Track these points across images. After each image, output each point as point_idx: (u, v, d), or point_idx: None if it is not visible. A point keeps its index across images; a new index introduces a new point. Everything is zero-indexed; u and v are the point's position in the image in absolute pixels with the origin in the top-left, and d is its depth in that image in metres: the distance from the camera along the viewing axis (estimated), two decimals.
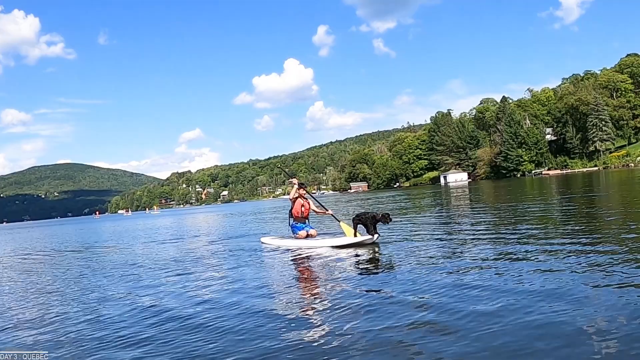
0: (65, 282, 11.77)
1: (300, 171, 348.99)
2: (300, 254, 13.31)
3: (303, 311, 6.95)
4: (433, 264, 9.47)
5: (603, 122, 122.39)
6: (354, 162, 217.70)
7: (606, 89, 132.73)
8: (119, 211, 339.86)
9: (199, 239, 22.09)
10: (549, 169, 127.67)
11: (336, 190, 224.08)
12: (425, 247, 11.86)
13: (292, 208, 16.15)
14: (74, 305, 8.52)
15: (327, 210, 16.15)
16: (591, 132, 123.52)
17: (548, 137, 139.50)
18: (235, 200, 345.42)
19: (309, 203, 16.19)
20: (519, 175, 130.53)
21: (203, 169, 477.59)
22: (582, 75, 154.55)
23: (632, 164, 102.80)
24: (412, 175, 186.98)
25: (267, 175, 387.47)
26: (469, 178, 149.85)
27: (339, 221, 15.43)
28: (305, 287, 9.01)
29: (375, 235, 13.63)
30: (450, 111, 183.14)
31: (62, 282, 11.96)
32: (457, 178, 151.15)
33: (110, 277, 11.96)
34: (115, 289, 10.00)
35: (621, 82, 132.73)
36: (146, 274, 11.87)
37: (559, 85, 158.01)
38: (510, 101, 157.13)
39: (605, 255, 8.59)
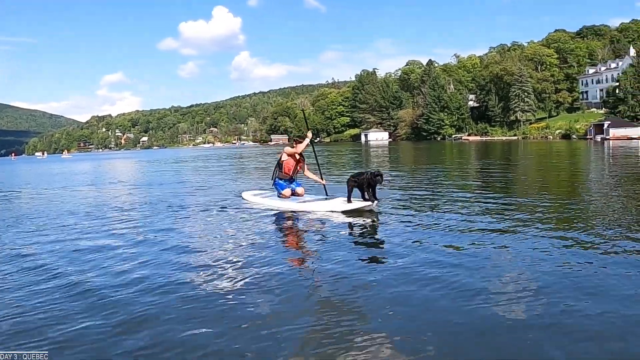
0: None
1: (222, 120, 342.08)
2: (284, 217, 11.76)
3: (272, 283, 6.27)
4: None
5: (525, 94, 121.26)
6: (276, 115, 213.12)
7: (532, 62, 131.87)
8: (36, 153, 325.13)
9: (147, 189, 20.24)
10: (469, 135, 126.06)
11: (256, 142, 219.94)
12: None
13: (281, 163, 13.78)
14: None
15: (322, 180, 13.85)
16: (513, 102, 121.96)
17: (471, 103, 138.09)
18: (155, 147, 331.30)
19: (303, 163, 13.99)
20: (439, 139, 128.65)
21: (124, 114, 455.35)
22: (509, 45, 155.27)
23: (551, 137, 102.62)
24: (333, 131, 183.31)
25: (188, 123, 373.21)
26: (389, 138, 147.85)
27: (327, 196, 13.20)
28: (284, 257, 7.68)
29: (374, 202, 11.69)
30: (376, 70, 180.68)
31: None
32: (378, 137, 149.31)
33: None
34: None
35: (547, 56, 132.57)
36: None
37: (486, 54, 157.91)
38: (436, 65, 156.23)
39: (517, 218, 9.93)
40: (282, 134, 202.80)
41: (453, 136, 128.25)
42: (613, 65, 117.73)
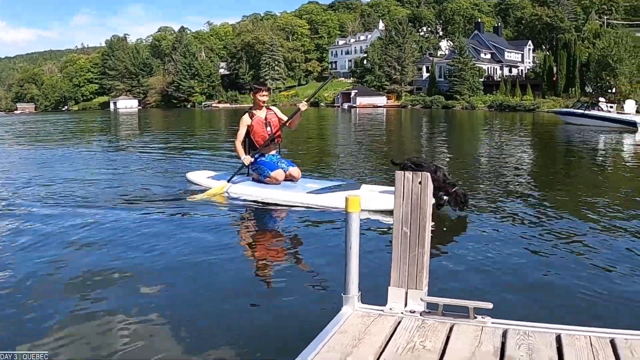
0: None
1: None
2: (283, 219, 7.13)
3: None
4: None
5: (276, 62, 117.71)
6: (22, 82, 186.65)
7: (283, 32, 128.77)
8: None
9: None
10: (219, 102, 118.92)
11: (1, 111, 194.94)
12: None
13: (250, 130, 7.96)
14: None
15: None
16: (264, 70, 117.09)
17: (222, 71, 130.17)
18: None
19: (276, 115, 8.20)
20: (189, 106, 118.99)
21: None
22: (262, 15, 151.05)
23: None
24: (81, 99, 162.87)
25: None
26: (139, 105, 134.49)
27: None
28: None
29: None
30: (127, 36, 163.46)
31: None
32: (127, 105, 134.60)
33: None
34: None
35: (299, 26, 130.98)
36: None
37: (239, 22, 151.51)
38: (189, 32, 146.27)
39: None
40: (28, 102, 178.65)
41: (203, 103, 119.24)
42: (362, 37, 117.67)
